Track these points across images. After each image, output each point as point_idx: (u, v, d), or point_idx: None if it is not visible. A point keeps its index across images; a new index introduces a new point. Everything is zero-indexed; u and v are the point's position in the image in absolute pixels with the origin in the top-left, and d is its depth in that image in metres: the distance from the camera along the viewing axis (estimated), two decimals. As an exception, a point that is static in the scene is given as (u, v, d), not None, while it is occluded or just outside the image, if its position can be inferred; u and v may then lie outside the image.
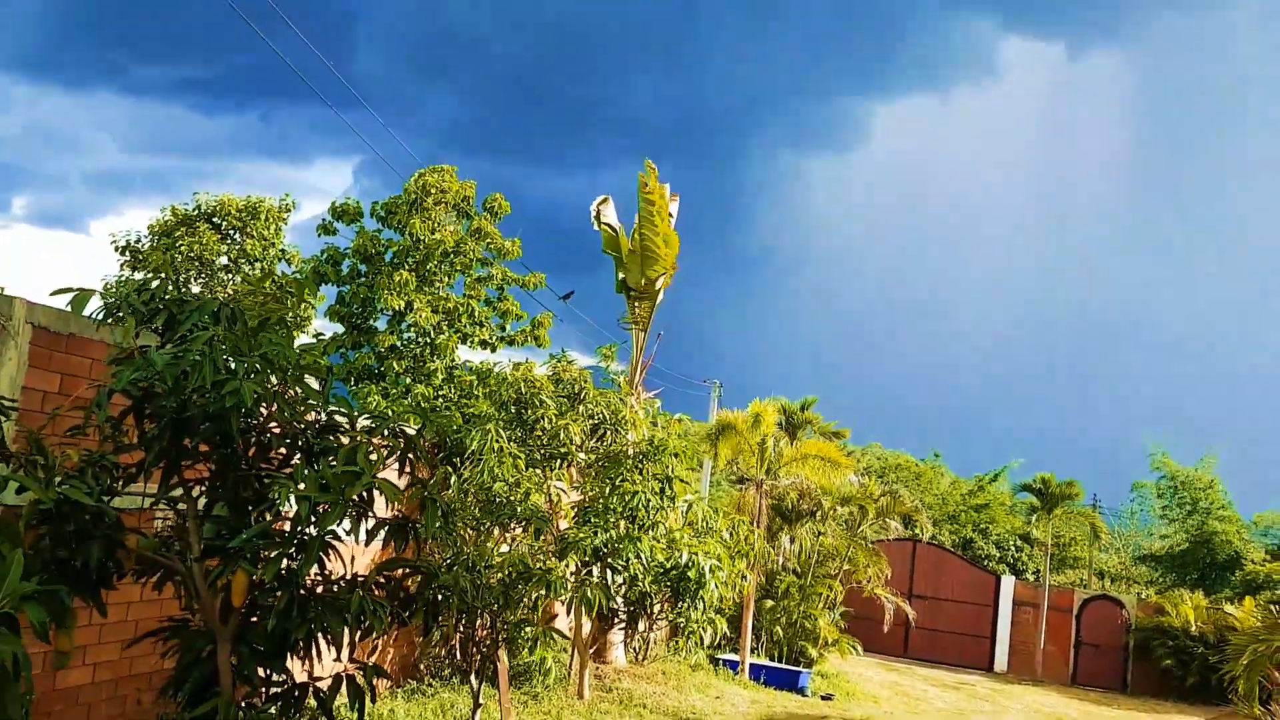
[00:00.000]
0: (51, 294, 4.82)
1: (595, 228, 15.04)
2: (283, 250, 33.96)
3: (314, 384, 5.29)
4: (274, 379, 4.97)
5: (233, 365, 4.61)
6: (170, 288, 5.15)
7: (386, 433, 5.34)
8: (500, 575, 8.17)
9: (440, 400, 23.48)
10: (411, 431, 5.57)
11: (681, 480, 10.47)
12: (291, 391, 5.10)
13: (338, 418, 5.37)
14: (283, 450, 5.20)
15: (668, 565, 10.57)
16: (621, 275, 14.87)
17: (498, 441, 9.01)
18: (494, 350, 30.10)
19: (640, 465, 10.42)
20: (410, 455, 5.39)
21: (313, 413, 5.19)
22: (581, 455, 10.75)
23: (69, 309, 4.68)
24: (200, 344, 4.47)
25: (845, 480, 20.26)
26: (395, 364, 25.74)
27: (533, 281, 30.36)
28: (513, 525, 9.32)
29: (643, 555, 9.89)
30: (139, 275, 30.31)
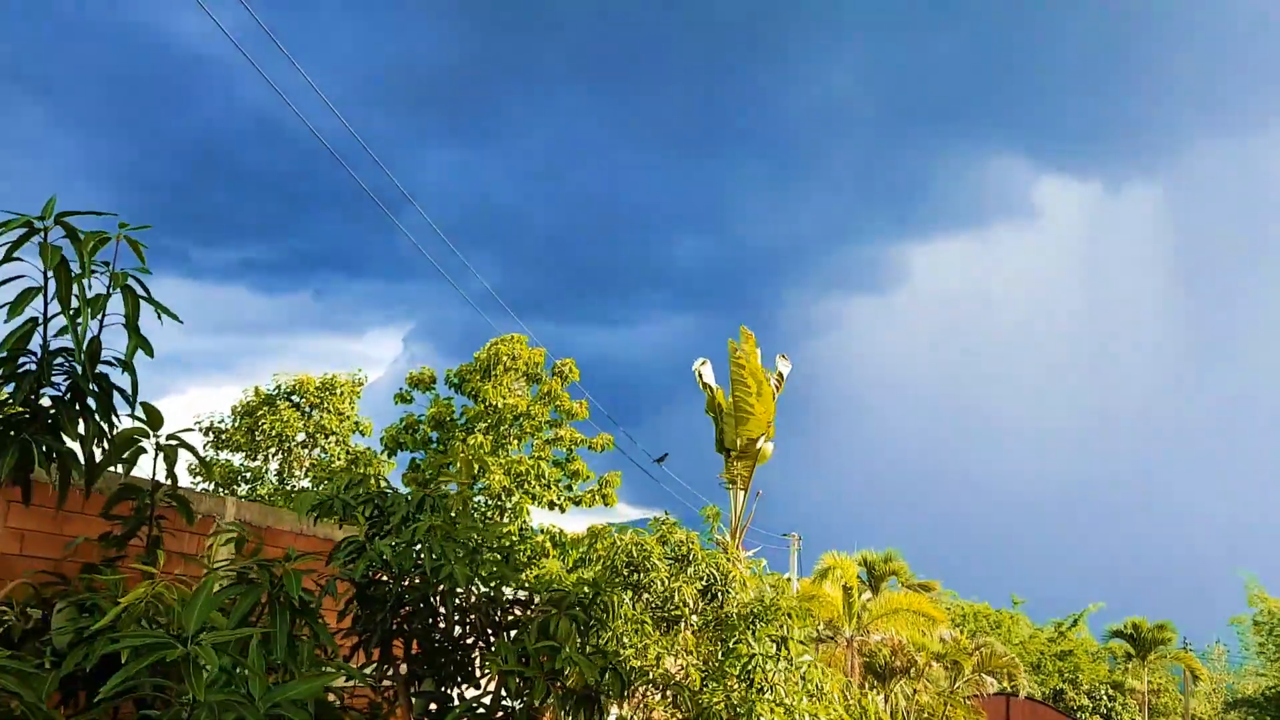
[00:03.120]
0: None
1: (700, 388, 15.70)
2: (356, 422, 35.19)
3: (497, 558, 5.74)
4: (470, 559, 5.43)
5: (444, 550, 5.08)
6: (374, 482, 5.70)
7: (566, 605, 5.72)
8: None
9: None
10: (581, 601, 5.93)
11: (799, 641, 10.57)
12: (484, 570, 5.54)
13: (520, 592, 5.79)
14: (470, 624, 5.60)
15: (784, 729, 10.52)
16: (719, 435, 15.36)
17: (623, 608, 9.26)
18: (562, 510, 30.51)
19: (752, 626, 10.56)
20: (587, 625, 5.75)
21: (505, 587, 5.63)
22: (695, 617, 10.92)
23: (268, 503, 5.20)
24: (421, 533, 4.96)
25: (937, 635, 19.94)
26: (468, 528, 26.20)
27: (600, 444, 30.99)
28: (642, 692, 9.45)
29: None
30: (224, 456, 31.54)
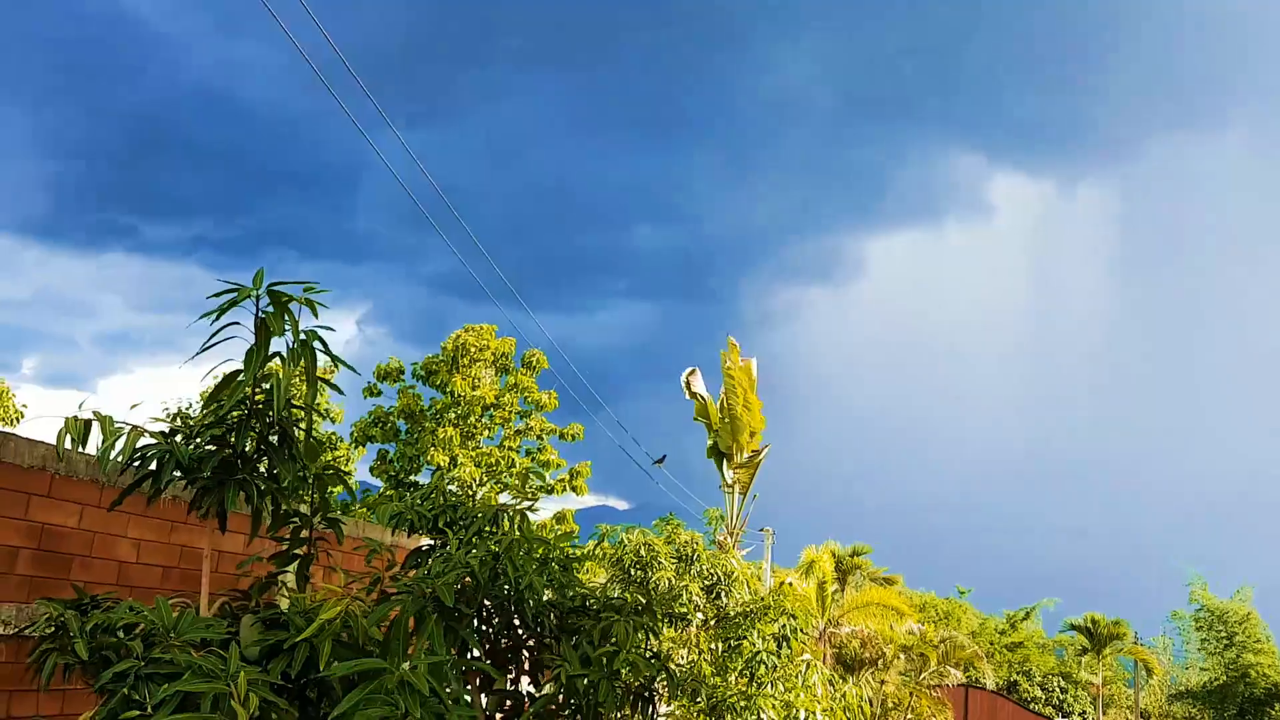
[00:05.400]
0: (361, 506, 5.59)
1: (687, 397, 16.01)
2: (326, 409, 35.07)
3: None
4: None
5: (523, 563, 5.40)
6: (440, 496, 6.03)
7: (626, 612, 6.07)
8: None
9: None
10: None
11: (799, 640, 11.00)
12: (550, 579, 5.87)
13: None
14: (538, 628, 5.93)
15: (780, 723, 10.95)
16: (712, 441, 15.74)
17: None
18: (533, 499, 30.71)
19: (753, 624, 10.97)
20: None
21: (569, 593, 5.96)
22: (700, 615, 11.31)
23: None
24: (504, 546, 5.27)
25: (904, 628, 20.60)
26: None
27: (570, 433, 31.28)
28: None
29: (764, 715, 10.32)
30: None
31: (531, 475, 29.06)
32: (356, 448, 31.58)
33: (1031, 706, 34.83)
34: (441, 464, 28.61)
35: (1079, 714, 34.61)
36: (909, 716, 21.36)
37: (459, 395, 29.26)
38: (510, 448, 30.10)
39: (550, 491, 30.80)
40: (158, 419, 3.78)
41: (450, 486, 28.74)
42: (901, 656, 20.95)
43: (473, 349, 30.06)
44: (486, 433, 30.28)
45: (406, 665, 2.97)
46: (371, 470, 30.55)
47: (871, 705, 21.31)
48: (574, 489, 31.28)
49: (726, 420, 14.82)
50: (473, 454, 29.47)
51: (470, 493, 28.57)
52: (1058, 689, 36.85)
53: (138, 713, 2.59)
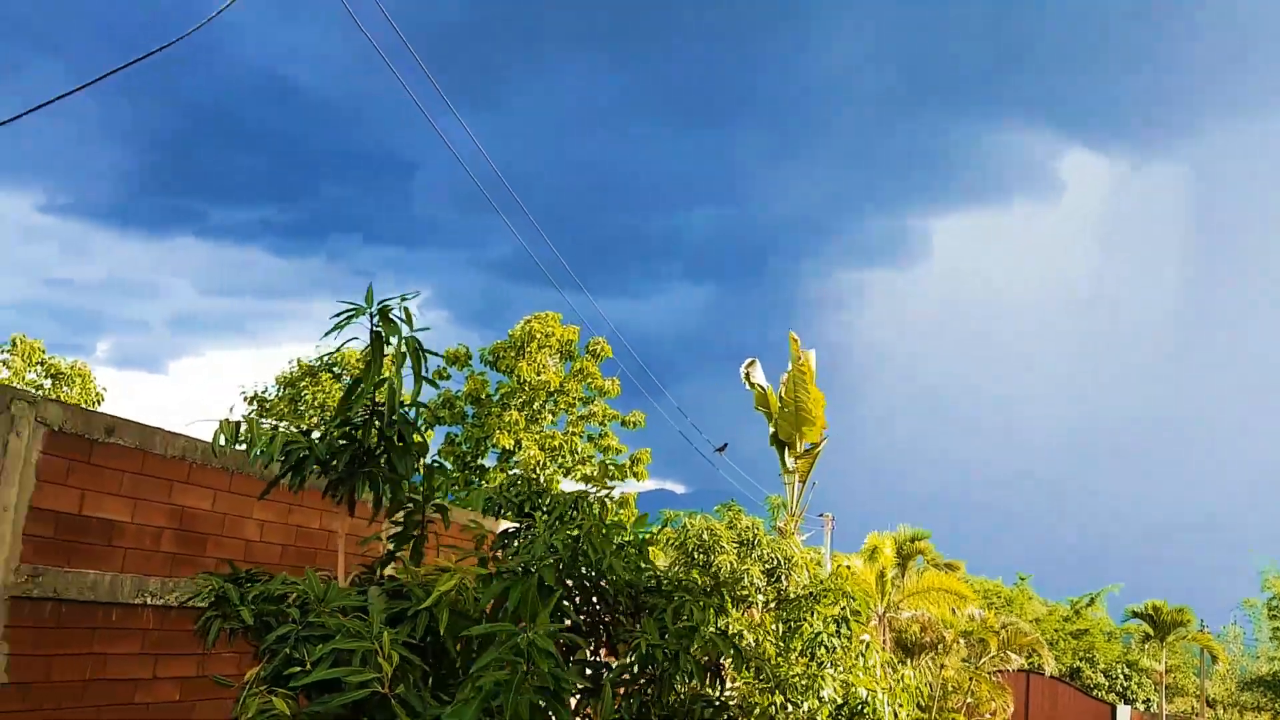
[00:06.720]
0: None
1: (746, 387, 16.42)
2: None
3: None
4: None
5: (603, 546, 5.88)
6: (526, 484, 6.53)
7: (696, 593, 6.53)
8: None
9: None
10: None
11: (858, 621, 11.38)
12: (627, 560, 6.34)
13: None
14: (618, 605, 6.42)
15: (840, 702, 11.34)
16: (773, 430, 16.13)
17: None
18: (610, 489, 31.38)
19: (812, 606, 11.37)
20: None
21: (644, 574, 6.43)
22: (761, 597, 11.75)
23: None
24: (585, 530, 5.76)
25: (966, 614, 20.76)
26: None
27: (632, 420, 31.84)
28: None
29: (824, 693, 10.73)
30: (267, 423, 32.67)
31: (611, 468, 29.87)
32: (427, 430, 32.57)
33: (1094, 693, 34.61)
34: (507, 446, 29.43)
35: (1143, 701, 34.33)
36: (968, 700, 21.55)
37: (524, 381, 30.03)
38: (573, 433, 30.83)
39: (611, 477, 31.44)
40: (261, 398, 4.30)
41: (514, 470, 29.53)
42: (961, 642, 21.13)
43: (539, 336, 30.78)
44: (550, 418, 31.02)
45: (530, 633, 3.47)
46: (440, 453, 31.53)
47: (931, 688, 21.54)
48: (634, 475, 31.93)
49: (789, 411, 15.20)
50: (536, 438, 30.23)
51: (534, 475, 29.24)
52: (1121, 676, 36.56)
53: (298, 669, 3.11)
